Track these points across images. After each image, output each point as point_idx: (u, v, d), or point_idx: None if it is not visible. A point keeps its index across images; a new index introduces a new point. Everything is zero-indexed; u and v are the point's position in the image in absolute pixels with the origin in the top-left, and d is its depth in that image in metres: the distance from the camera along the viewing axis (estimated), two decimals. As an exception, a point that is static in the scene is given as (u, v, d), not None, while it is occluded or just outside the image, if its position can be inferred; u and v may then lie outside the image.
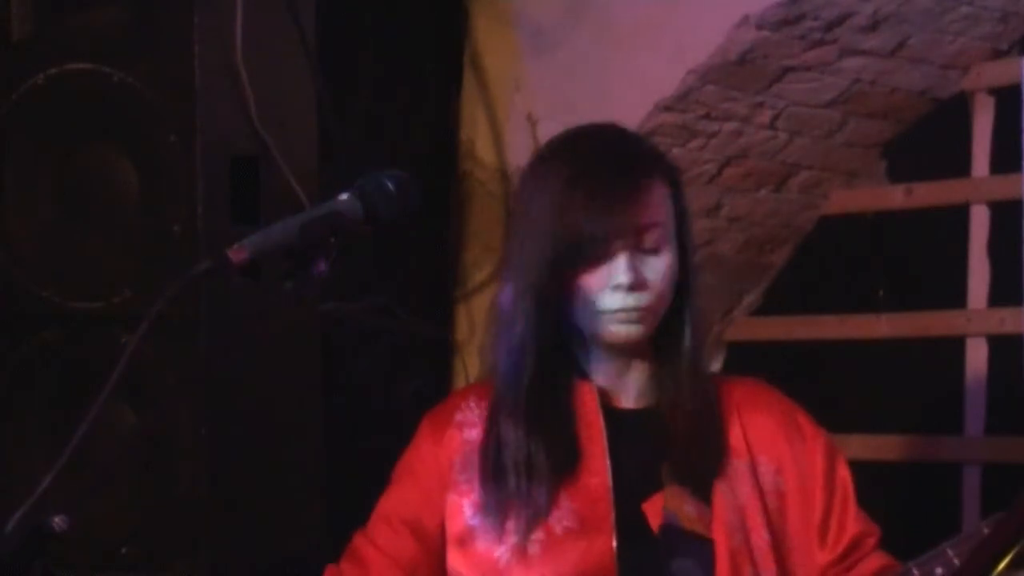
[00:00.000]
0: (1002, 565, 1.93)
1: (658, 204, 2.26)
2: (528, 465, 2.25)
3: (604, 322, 2.26)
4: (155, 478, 3.03)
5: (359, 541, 2.39)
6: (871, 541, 2.34)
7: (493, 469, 2.28)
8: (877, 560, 2.32)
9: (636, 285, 2.23)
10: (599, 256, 2.23)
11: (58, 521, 1.79)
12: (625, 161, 2.27)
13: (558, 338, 2.28)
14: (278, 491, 3.20)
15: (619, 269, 2.23)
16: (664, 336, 2.32)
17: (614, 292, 2.23)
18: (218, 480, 3.05)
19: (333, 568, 2.40)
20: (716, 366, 4.20)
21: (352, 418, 3.79)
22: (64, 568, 1.83)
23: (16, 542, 1.77)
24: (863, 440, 3.84)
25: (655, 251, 2.25)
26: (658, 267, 2.25)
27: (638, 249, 2.24)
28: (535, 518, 2.24)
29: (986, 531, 2.08)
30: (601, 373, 2.33)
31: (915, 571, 2.16)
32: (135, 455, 2.97)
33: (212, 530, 3.06)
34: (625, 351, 2.30)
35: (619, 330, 2.26)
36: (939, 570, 2.13)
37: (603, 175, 2.24)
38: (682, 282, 2.30)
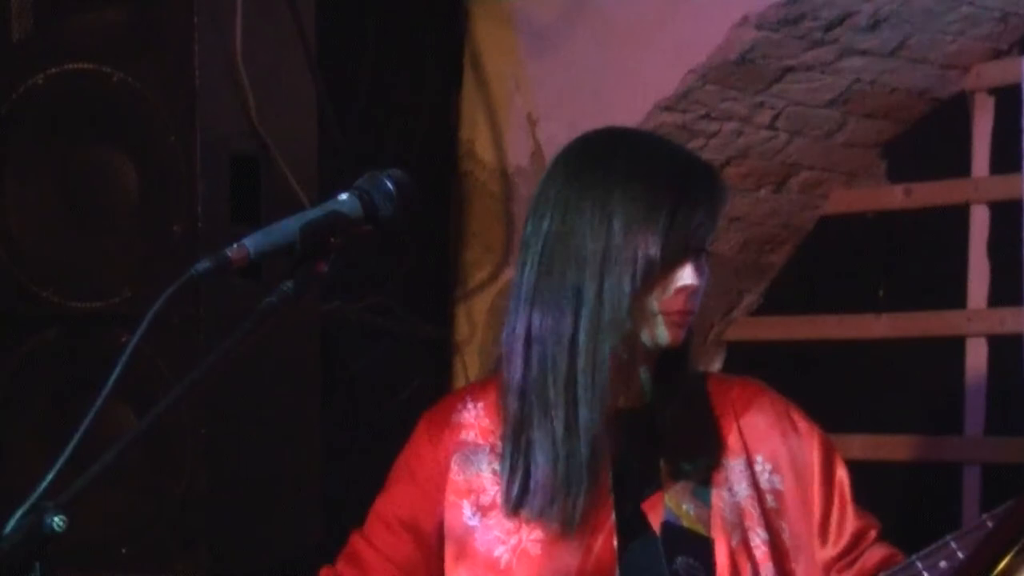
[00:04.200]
0: (1003, 564, 1.93)
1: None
2: (585, 475, 2.22)
3: (661, 324, 2.25)
4: (155, 478, 3.03)
5: (356, 542, 2.39)
6: (872, 534, 2.33)
7: (530, 480, 2.24)
8: (880, 552, 2.32)
9: (698, 289, 2.24)
10: (679, 260, 2.23)
11: (58, 521, 1.79)
12: (707, 172, 2.29)
13: (631, 337, 2.26)
14: (278, 491, 3.20)
15: (689, 273, 2.23)
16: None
17: (678, 295, 2.23)
18: (218, 480, 3.06)
19: (329, 569, 2.39)
20: (716, 366, 4.20)
21: (352, 418, 3.79)
22: (64, 568, 1.83)
23: (16, 542, 1.77)
24: (863, 440, 3.84)
25: (705, 256, 2.27)
26: (707, 271, 2.27)
27: (700, 254, 2.25)
28: (579, 527, 2.23)
29: (989, 524, 2.08)
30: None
31: (919, 564, 2.16)
32: (135, 455, 2.97)
33: (212, 530, 3.06)
34: (633, 352, 2.29)
35: (673, 333, 2.25)
36: (943, 563, 2.13)
37: (696, 183, 2.24)
38: None
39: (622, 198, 2.22)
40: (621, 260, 2.21)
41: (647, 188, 2.22)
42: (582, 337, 2.22)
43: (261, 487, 3.16)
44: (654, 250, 2.20)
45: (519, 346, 2.27)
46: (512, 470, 2.27)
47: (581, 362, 2.22)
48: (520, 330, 2.27)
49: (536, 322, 2.26)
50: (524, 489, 2.26)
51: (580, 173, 2.29)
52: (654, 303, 2.23)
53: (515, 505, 2.26)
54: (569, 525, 2.23)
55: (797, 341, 4.13)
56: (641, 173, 2.24)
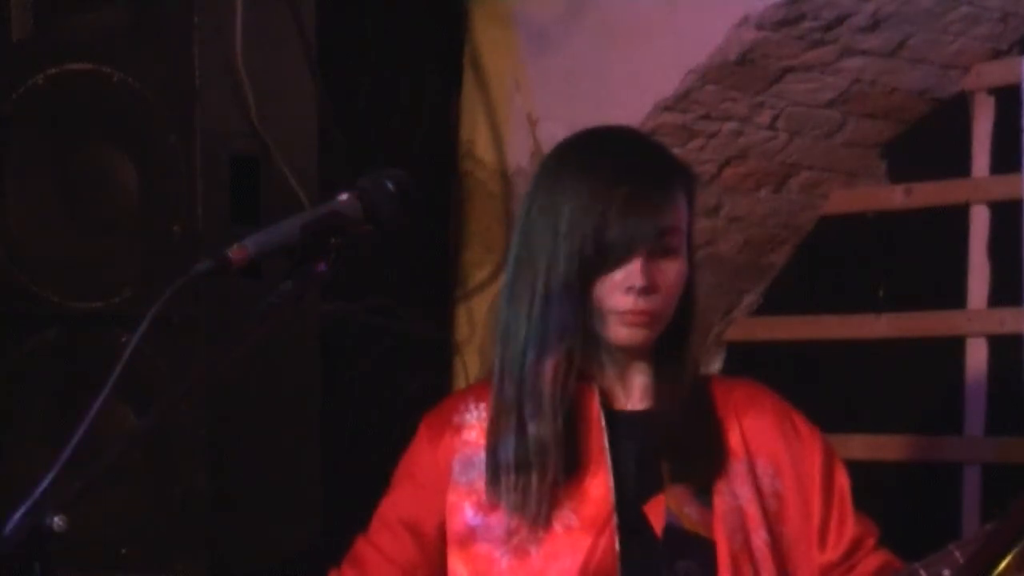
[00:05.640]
0: (1003, 565, 1.93)
1: (678, 211, 2.27)
2: (531, 466, 2.25)
3: (612, 323, 2.26)
4: (155, 478, 3.03)
5: (360, 544, 2.40)
6: (871, 541, 2.34)
7: (497, 470, 2.27)
8: (878, 558, 2.33)
9: (649, 288, 2.23)
10: (620, 258, 2.23)
11: (58, 521, 1.79)
12: (655, 168, 2.29)
13: (578, 338, 2.28)
14: (277, 491, 3.20)
15: (635, 272, 2.23)
16: (664, 338, 2.32)
17: (626, 294, 2.23)
18: (218, 480, 3.06)
19: (335, 571, 2.41)
20: (716, 366, 4.20)
21: (352, 418, 3.79)
22: (64, 568, 1.83)
23: (16, 542, 1.77)
24: (863, 440, 3.84)
25: (671, 256, 2.26)
26: (672, 272, 2.26)
27: (655, 253, 2.24)
28: (537, 519, 2.24)
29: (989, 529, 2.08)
30: (602, 374, 2.33)
31: (922, 572, 2.16)
32: (135, 455, 2.97)
33: (212, 530, 3.06)
34: (627, 353, 2.30)
35: (626, 332, 2.26)
36: (946, 571, 2.13)
37: (635, 180, 2.24)
38: (686, 286, 2.31)
39: (568, 195, 2.25)
40: (564, 258, 2.23)
41: (590, 184, 2.24)
42: (532, 336, 2.26)
43: (261, 487, 3.16)
44: (590, 248, 2.21)
45: (498, 347, 2.31)
46: (487, 468, 2.29)
47: (529, 362, 2.26)
48: (499, 330, 2.32)
49: (505, 322, 2.30)
50: (495, 488, 2.27)
51: (545, 173, 2.33)
52: (604, 302, 2.24)
53: (491, 503, 2.28)
54: (536, 530, 2.24)
55: (797, 341, 4.13)
56: (587, 169, 2.26)
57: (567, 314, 2.24)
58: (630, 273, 2.23)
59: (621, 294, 2.23)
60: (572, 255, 2.22)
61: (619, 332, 2.26)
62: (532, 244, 2.28)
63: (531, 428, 2.26)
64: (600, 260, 2.22)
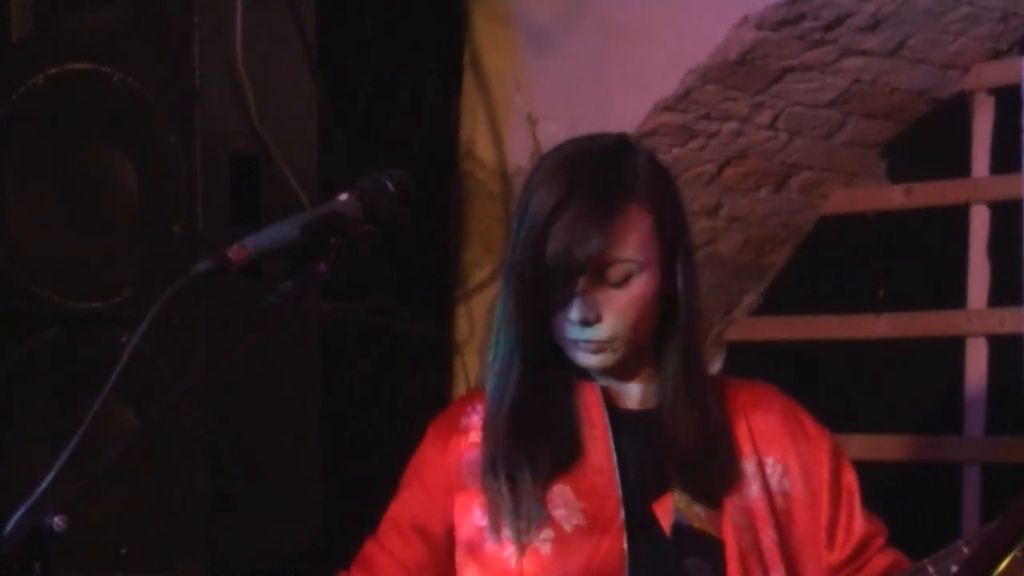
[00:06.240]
0: (1003, 565, 1.93)
1: (627, 237, 2.23)
2: (522, 471, 2.25)
3: (567, 348, 2.28)
4: (155, 478, 3.03)
5: (369, 547, 2.41)
6: (879, 540, 2.35)
7: (491, 476, 2.28)
8: (886, 558, 2.33)
9: (588, 320, 2.23)
10: (562, 289, 2.23)
11: (58, 521, 1.79)
12: (604, 196, 2.24)
13: (546, 349, 2.28)
14: (277, 491, 3.21)
15: (573, 304, 2.23)
16: (664, 342, 2.32)
17: (570, 323, 2.24)
18: (218, 480, 3.06)
19: (343, 574, 2.41)
20: (716, 366, 4.20)
21: (352, 418, 3.79)
22: (64, 568, 1.83)
23: (16, 542, 1.77)
24: (863, 440, 3.84)
25: (619, 284, 2.24)
26: (618, 302, 2.24)
27: (599, 283, 2.23)
28: (531, 520, 2.24)
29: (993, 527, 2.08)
30: (604, 375, 2.33)
31: (930, 568, 2.16)
32: (135, 455, 2.97)
33: (212, 530, 3.06)
34: (621, 359, 2.30)
35: (582, 358, 2.28)
36: (954, 567, 2.13)
37: (577, 208, 2.22)
38: (678, 292, 2.30)
39: (524, 217, 2.26)
40: (513, 280, 2.27)
41: (534, 211, 2.25)
42: (498, 351, 2.31)
43: (261, 487, 3.16)
44: (530, 276, 2.23)
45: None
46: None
47: (496, 376, 2.31)
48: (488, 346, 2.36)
49: (491, 338, 2.34)
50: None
51: (523, 186, 2.34)
52: (553, 328, 2.26)
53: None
54: (541, 529, 2.25)
55: (797, 341, 4.13)
56: (539, 192, 2.26)
57: (523, 335, 2.28)
58: (568, 305, 2.23)
59: (565, 322, 2.25)
60: (516, 280, 2.25)
61: (575, 358, 2.29)
62: (504, 258, 2.31)
63: (504, 437, 2.28)
64: (542, 288, 2.23)
